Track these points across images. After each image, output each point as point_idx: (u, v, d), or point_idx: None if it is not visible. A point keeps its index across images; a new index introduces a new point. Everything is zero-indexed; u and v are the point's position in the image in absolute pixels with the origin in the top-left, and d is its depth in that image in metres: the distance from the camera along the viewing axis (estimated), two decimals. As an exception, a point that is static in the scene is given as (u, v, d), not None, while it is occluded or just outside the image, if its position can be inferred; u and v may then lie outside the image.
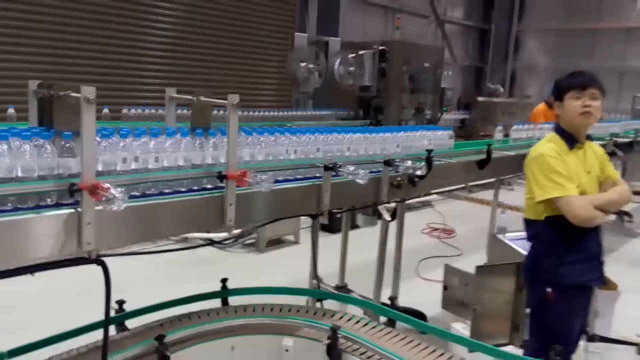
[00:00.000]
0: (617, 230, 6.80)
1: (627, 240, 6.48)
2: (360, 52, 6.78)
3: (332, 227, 5.49)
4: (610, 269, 3.72)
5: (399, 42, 7.10)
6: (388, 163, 2.81)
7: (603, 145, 3.78)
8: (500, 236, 3.36)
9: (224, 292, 2.73)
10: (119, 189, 1.68)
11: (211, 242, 4.99)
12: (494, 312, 3.05)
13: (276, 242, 5.48)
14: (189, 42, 7.13)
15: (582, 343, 3.20)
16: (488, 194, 8.42)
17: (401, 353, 2.19)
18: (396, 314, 2.53)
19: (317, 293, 3.03)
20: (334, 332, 2.23)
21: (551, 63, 13.79)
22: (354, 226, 4.01)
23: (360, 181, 2.51)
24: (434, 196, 7.99)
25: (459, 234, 6.34)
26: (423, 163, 2.91)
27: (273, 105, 7.61)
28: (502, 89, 11.51)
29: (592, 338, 3.48)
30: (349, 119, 6.67)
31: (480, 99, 9.65)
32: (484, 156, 3.55)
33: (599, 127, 5.37)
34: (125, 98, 5.76)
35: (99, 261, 1.85)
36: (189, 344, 2.30)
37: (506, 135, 4.11)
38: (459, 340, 2.35)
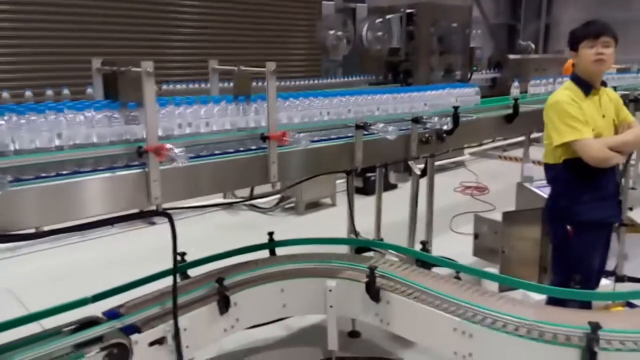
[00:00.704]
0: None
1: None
2: (388, 17, 6.86)
3: (366, 189, 5.70)
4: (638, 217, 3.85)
5: (425, 3, 7.10)
6: (416, 120, 2.99)
7: (626, 96, 3.84)
8: (526, 184, 3.52)
9: (272, 244, 3.02)
10: (180, 149, 1.95)
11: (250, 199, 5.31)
12: (522, 255, 3.24)
13: (314, 205, 5.75)
14: (218, 14, 7.36)
15: (610, 283, 3.37)
16: (521, 152, 8.46)
17: (434, 287, 2.43)
18: (428, 256, 2.76)
19: (355, 242, 3.28)
20: (371, 271, 2.49)
21: (586, 16, 13.35)
22: (387, 188, 4.20)
23: (390, 137, 2.72)
24: (467, 156, 8.09)
25: (492, 190, 6.46)
26: (449, 119, 3.09)
27: (303, 74, 7.80)
28: (533, 46, 11.31)
29: (621, 279, 3.64)
30: (379, 84, 6.80)
31: (511, 56, 9.55)
32: (510, 111, 3.68)
33: (620, 78, 5.36)
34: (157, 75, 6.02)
35: (165, 213, 2.15)
36: (245, 287, 2.60)
37: (525, 91, 4.18)
38: (489, 276, 2.57)
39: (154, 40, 6.85)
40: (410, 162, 3.31)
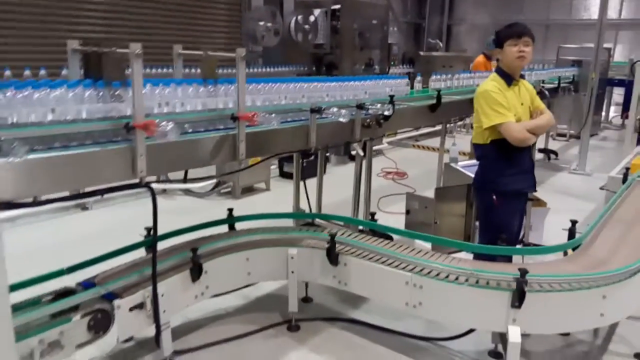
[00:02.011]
0: (545, 166, 7.73)
1: (554, 174, 7.40)
2: (315, 11, 7.18)
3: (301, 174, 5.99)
4: (541, 195, 4.49)
5: (349, 0, 7.52)
6: (360, 106, 3.32)
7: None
8: (452, 164, 4.01)
9: (232, 219, 3.23)
10: (171, 124, 2.13)
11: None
12: (450, 226, 3.71)
13: (249, 190, 5.95)
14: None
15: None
16: (432, 142, 9.20)
17: (386, 249, 2.79)
18: (377, 225, 3.12)
19: (309, 216, 3.57)
20: (332, 237, 2.80)
21: (484, 18, 14.60)
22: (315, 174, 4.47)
23: (343, 120, 3.03)
24: (385, 145, 8.66)
25: (410, 175, 7.03)
26: (386, 106, 3.46)
27: (225, 64, 7.95)
28: (441, 44, 12.21)
29: (527, 245, 4.25)
30: (306, 75, 7.10)
31: (422, 53, 10.30)
32: (434, 101, 4.14)
33: (529, 74, 6.12)
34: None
35: (147, 186, 2.30)
36: (214, 256, 2.81)
37: (425, 86, 4.66)
38: (427, 238, 2.99)
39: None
40: (354, 145, 3.66)
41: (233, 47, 8.18)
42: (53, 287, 2.44)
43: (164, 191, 5.77)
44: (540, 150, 8.06)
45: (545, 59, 11.29)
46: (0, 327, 1.57)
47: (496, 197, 3.00)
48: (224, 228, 3.23)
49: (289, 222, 3.64)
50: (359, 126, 3.36)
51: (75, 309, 2.32)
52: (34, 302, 2.31)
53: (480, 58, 7.13)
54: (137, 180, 2.24)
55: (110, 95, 2.23)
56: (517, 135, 2.91)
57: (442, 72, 4.77)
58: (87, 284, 2.51)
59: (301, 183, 3.97)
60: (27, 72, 3.99)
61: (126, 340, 2.86)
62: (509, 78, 3.05)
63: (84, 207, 5.10)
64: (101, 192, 2.20)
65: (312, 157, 5.75)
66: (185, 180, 5.84)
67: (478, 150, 3.14)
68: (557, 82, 7.15)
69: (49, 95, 2.02)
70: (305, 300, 3.38)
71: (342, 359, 2.83)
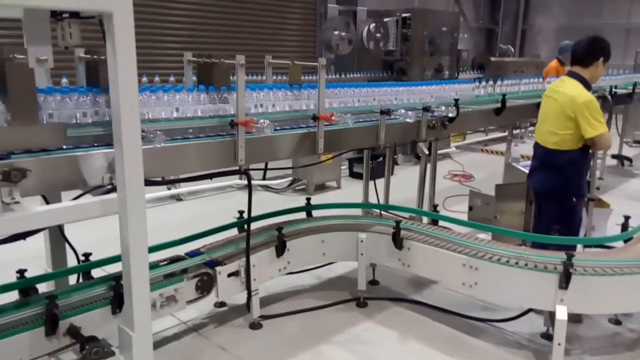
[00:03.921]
0: (619, 172, 7.66)
1: (626, 180, 7.33)
2: (386, 20, 7.56)
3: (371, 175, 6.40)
4: (611, 199, 4.62)
5: (419, 9, 7.85)
6: (426, 109, 3.66)
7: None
8: (514, 164, 4.26)
9: (310, 207, 3.68)
10: (267, 121, 2.60)
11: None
12: (510, 222, 3.96)
13: (321, 187, 6.42)
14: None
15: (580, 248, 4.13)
16: (501, 147, 9.28)
17: (447, 235, 3.14)
18: (439, 215, 3.47)
19: (378, 206, 3.97)
20: (397, 224, 3.18)
21: (560, 23, 14.32)
22: (381, 175, 4.82)
23: (410, 120, 3.41)
24: (452, 149, 8.86)
25: (477, 178, 7.23)
26: (451, 108, 3.78)
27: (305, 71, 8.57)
28: (512, 50, 12.17)
29: (589, 245, 4.40)
30: (376, 80, 7.49)
31: (492, 59, 10.39)
32: (499, 105, 4.41)
33: (602, 79, 6.15)
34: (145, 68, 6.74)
35: (246, 172, 2.80)
36: (295, 237, 3.27)
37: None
38: (488, 229, 3.30)
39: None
40: (420, 144, 4.01)
41: (306, 55, 8.83)
42: (163, 256, 2.98)
43: (245, 186, 6.36)
44: (614, 157, 7.99)
45: (625, 64, 11.00)
46: (139, 281, 2.01)
47: (576, 200, 3.26)
48: (302, 215, 3.69)
49: (358, 213, 4.06)
50: (425, 127, 3.71)
51: (184, 271, 2.84)
52: (152, 266, 2.85)
53: (554, 63, 7.16)
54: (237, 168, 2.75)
55: (219, 97, 2.74)
56: (609, 144, 3.22)
57: (511, 77, 5.00)
58: (193, 254, 3.04)
59: (370, 182, 4.37)
60: (144, 79, 4.68)
61: (220, 305, 3.38)
62: (589, 88, 3.28)
63: (178, 198, 5.78)
64: (210, 176, 2.71)
65: (380, 159, 6.15)
66: (264, 177, 6.42)
67: (563, 157, 3.23)
68: (631, 87, 7.07)
69: (174, 97, 2.56)
70: (372, 282, 3.77)
71: (406, 332, 3.19)
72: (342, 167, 6.82)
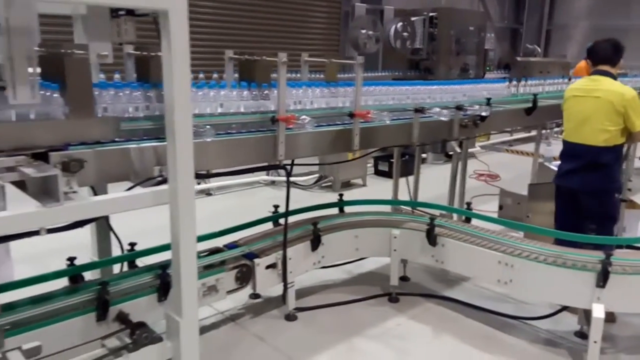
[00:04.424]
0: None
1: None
2: (412, 19, 7.57)
3: (391, 173, 6.43)
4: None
5: (446, 8, 7.84)
6: (459, 107, 3.69)
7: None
8: (547, 163, 4.26)
9: (342, 203, 3.73)
10: (307, 117, 2.65)
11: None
12: (542, 222, 3.96)
13: (347, 185, 6.47)
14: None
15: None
16: (526, 147, 9.22)
17: (479, 231, 3.16)
18: (473, 213, 3.49)
19: (410, 203, 4.00)
20: (432, 220, 3.21)
21: (586, 24, 14.11)
22: (409, 172, 4.82)
23: (444, 119, 3.43)
24: (477, 148, 8.84)
25: (503, 178, 7.21)
26: (483, 107, 3.79)
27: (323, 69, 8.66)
28: (539, 49, 12.05)
29: (621, 246, 4.38)
30: (403, 79, 7.50)
31: (518, 59, 10.30)
32: (530, 105, 4.41)
33: (628, 81, 6.11)
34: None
35: (284, 167, 2.86)
36: (330, 232, 3.32)
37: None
38: (520, 227, 3.31)
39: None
40: (452, 143, 4.04)
41: (331, 52, 8.91)
42: (200, 248, 3.05)
43: (273, 183, 6.44)
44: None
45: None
46: (188, 268, 2.08)
47: (618, 195, 3.36)
48: (334, 211, 3.74)
49: (387, 210, 4.09)
50: (457, 125, 3.73)
51: (223, 263, 2.91)
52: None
53: (583, 63, 7.13)
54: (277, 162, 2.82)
55: (261, 94, 2.80)
56: None
57: (538, 78, 4.99)
58: (232, 246, 3.12)
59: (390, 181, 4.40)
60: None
61: (255, 297, 3.45)
62: None
63: (208, 193, 5.88)
64: (252, 170, 2.78)
65: (406, 157, 6.17)
66: (290, 173, 6.46)
67: (611, 153, 3.30)
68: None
69: (219, 93, 2.63)
70: (403, 279, 3.81)
71: (440, 327, 3.23)
72: (368, 165, 6.86)
